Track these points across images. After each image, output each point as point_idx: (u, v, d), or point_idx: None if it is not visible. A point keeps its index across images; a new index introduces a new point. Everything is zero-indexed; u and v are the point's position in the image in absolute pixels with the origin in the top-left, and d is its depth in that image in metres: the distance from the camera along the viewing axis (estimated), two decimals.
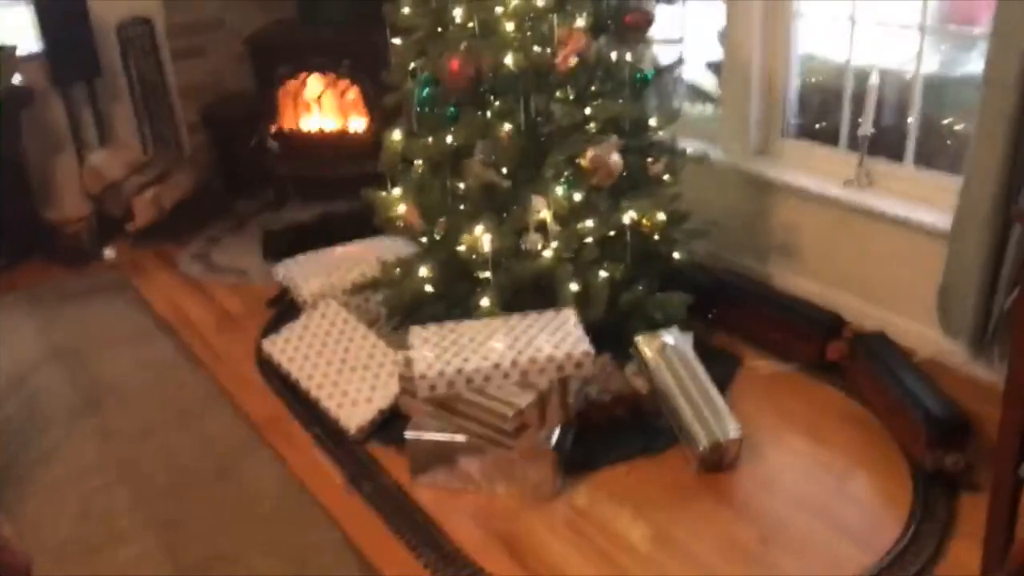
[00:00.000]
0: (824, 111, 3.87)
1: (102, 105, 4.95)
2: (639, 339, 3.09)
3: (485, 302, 3.05)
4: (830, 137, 3.70)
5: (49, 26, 4.60)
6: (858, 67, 3.52)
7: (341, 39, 4.81)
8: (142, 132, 5.17)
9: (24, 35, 4.77)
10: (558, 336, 2.75)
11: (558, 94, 3.16)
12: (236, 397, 3.35)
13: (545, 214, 3.03)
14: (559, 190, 3.03)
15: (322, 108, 4.91)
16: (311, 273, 3.64)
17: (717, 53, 4.21)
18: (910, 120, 3.35)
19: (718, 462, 2.77)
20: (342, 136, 4.95)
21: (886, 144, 3.53)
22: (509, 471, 2.72)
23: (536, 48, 2.99)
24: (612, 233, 3.17)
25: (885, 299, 3.43)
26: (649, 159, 3.31)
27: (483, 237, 3.02)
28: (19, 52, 4.52)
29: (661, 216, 3.20)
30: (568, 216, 3.07)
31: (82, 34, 4.68)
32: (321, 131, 4.97)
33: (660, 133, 3.40)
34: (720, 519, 2.61)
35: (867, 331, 3.24)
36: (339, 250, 3.81)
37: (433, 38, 3.13)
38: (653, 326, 3.21)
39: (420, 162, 3.28)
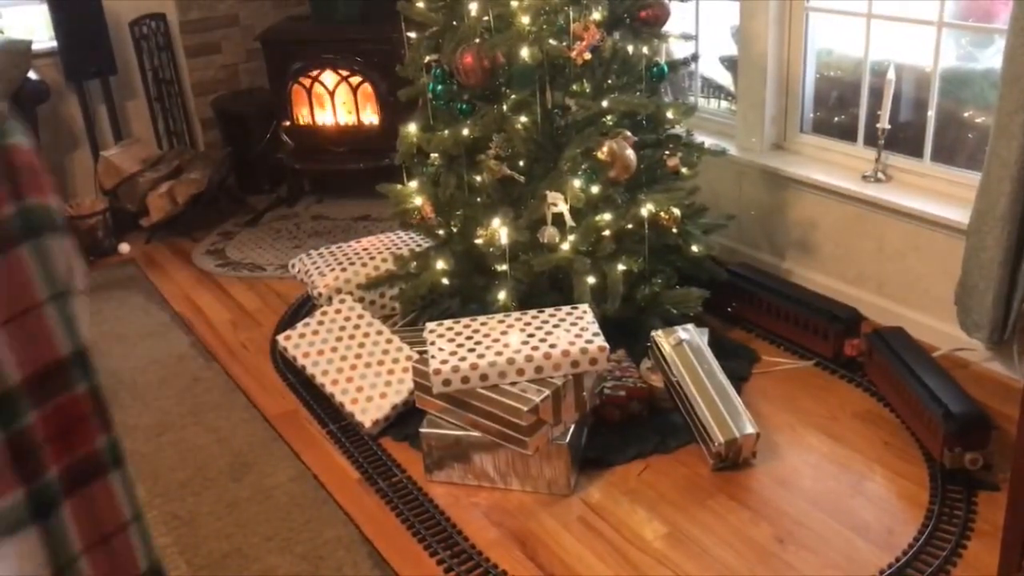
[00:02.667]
0: (841, 106, 3.85)
1: (117, 101, 4.96)
2: (655, 334, 3.08)
3: (501, 296, 3.04)
4: (848, 132, 3.68)
5: (64, 23, 4.61)
6: (875, 61, 3.50)
7: (354, 35, 4.81)
8: (156, 128, 5.19)
9: (39, 32, 4.79)
10: (573, 331, 2.74)
11: (574, 87, 3.15)
12: (251, 392, 3.36)
13: (562, 207, 3.02)
14: (576, 183, 3.02)
15: (335, 104, 4.91)
16: (326, 267, 3.64)
17: (731, 48, 4.20)
18: (928, 115, 3.32)
19: (734, 459, 2.76)
20: (355, 131, 4.95)
21: (904, 139, 3.51)
22: (523, 468, 2.71)
23: (552, 41, 2.98)
24: (629, 227, 3.16)
25: (903, 295, 3.41)
26: (666, 153, 3.31)
27: (500, 230, 3.02)
28: (34, 48, 4.53)
29: (678, 210, 3.18)
30: (585, 209, 3.07)
31: (97, 31, 4.69)
32: (335, 126, 4.97)
33: (677, 127, 3.39)
34: (736, 517, 2.59)
35: (885, 327, 3.22)
36: (354, 244, 3.81)
37: (448, 32, 3.12)
38: (669, 321, 3.20)
39: (436, 155, 3.28)
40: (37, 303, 0.64)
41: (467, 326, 2.83)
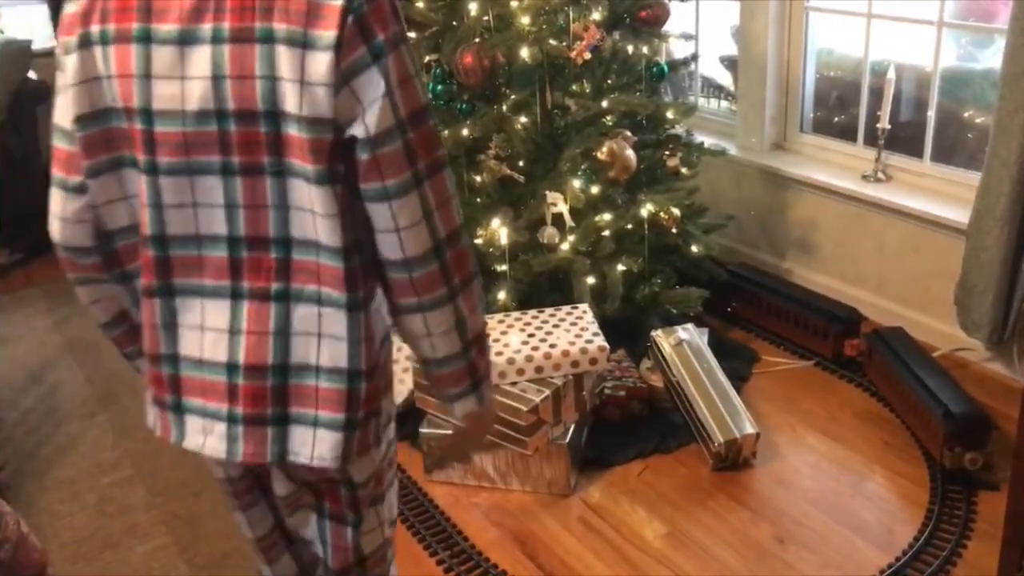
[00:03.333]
0: (841, 105, 3.85)
1: None
2: (655, 334, 3.08)
3: (501, 296, 3.04)
4: (848, 132, 3.68)
5: None
6: (875, 61, 3.50)
7: None
8: None
9: (39, 32, 4.80)
10: (574, 331, 2.74)
11: (574, 87, 3.15)
12: None
13: (562, 207, 3.02)
14: (576, 183, 3.02)
15: None
16: None
17: (731, 48, 4.20)
18: (928, 115, 3.32)
19: (734, 459, 2.76)
20: None
21: (904, 139, 3.51)
22: (523, 468, 2.71)
23: (552, 41, 2.98)
24: (629, 227, 3.16)
25: (903, 295, 3.41)
26: (666, 153, 3.30)
27: (500, 231, 3.02)
28: (34, 48, 4.53)
29: (678, 210, 3.19)
30: (585, 210, 3.07)
31: None
32: None
33: (677, 127, 3.39)
34: (735, 517, 2.59)
35: (885, 327, 3.22)
36: None
37: (448, 32, 3.12)
38: (669, 321, 3.20)
39: None
40: (410, 75, 1.24)
41: None
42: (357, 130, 1.20)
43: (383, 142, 1.20)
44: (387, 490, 1.56)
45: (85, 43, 1.26)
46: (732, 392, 2.87)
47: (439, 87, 3.12)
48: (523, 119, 3.06)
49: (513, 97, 3.09)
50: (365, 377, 1.32)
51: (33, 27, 4.82)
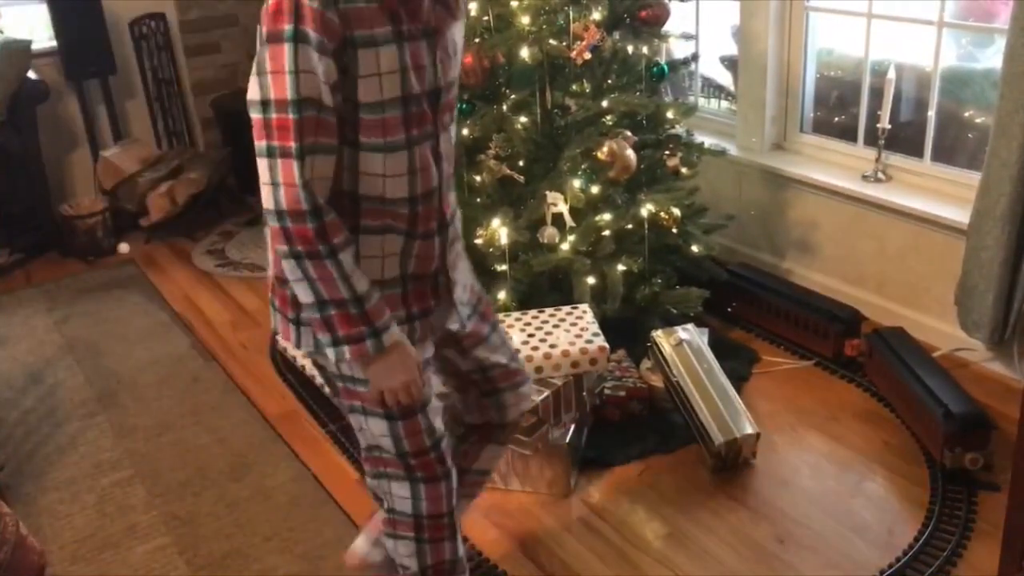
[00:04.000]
0: (842, 105, 3.85)
1: (116, 101, 4.96)
2: (655, 334, 3.07)
3: (501, 296, 3.04)
4: (848, 132, 3.68)
5: (64, 23, 4.61)
6: (875, 61, 3.49)
7: None
8: (156, 128, 5.19)
9: (39, 32, 4.79)
10: (573, 331, 2.74)
11: (574, 87, 3.15)
12: (251, 393, 3.35)
13: (562, 207, 3.02)
14: (576, 183, 3.02)
15: None
16: None
17: (731, 48, 4.19)
18: (929, 115, 3.32)
19: (734, 459, 2.76)
20: None
21: (904, 139, 3.51)
22: (523, 468, 2.71)
23: (552, 41, 2.98)
24: (629, 227, 3.16)
25: (903, 295, 3.41)
26: (666, 153, 3.30)
27: (500, 231, 3.02)
28: (34, 48, 4.53)
29: (678, 210, 3.18)
30: (585, 209, 3.06)
31: (96, 31, 4.69)
32: None
33: (677, 127, 3.39)
34: (736, 517, 2.59)
35: (885, 327, 3.22)
36: None
37: None
38: (669, 321, 3.20)
39: None
40: (281, 70, 1.48)
41: None
42: None
43: (250, 108, 1.54)
44: (355, 413, 1.83)
45: None
46: (732, 392, 2.87)
47: None
48: (523, 119, 3.06)
49: (513, 97, 3.09)
50: (279, 283, 1.69)
51: (33, 27, 4.82)
